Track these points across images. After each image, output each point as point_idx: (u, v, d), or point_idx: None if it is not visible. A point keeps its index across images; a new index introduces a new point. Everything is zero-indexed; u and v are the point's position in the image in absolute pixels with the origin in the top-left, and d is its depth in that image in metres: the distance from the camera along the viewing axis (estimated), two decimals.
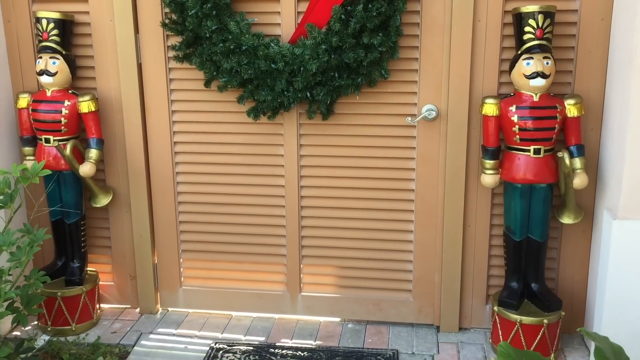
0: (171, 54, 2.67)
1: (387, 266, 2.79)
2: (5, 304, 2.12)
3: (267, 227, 2.83)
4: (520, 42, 2.35)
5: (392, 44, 2.45)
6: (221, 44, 2.50)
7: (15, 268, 2.04)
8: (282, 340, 2.73)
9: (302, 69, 2.48)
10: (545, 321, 2.43)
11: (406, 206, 2.72)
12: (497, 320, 2.53)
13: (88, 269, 2.90)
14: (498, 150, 2.46)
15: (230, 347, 2.66)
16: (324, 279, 2.85)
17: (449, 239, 2.67)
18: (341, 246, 2.80)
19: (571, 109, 2.36)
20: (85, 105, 2.64)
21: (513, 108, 2.37)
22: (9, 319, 2.61)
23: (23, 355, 2.26)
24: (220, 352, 2.63)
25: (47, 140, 2.65)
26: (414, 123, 2.60)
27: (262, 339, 2.74)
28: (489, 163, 2.46)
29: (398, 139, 2.66)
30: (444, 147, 2.62)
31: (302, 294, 2.87)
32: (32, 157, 2.72)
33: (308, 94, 2.54)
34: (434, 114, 2.57)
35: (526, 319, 2.44)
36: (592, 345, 2.50)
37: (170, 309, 2.99)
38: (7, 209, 2.17)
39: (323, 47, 2.45)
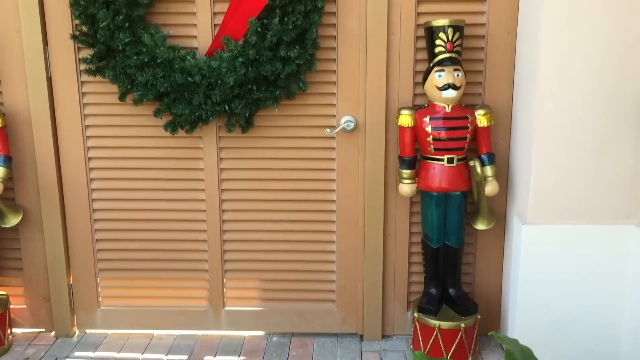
0: (83, 67, 2.58)
1: (311, 277, 2.80)
2: None
3: (189, 242, 2.78)
4: (432, 54, 2.42)
5: (309, 57, 2.47)
6: (135, 57, 2.44)
7: None
8: (206, 357, 2.68)
9: (219, 81, 2.46)
10: (463, 325, 2.50)
11: (328, 217, 2.74)
12: (417, 326, 2.58)
13: None
14: (414, 160, 2.52)
15: None
16: (248, 293, 2.83)
17: (370, 248, 2.71)
18: (264, 259, 2.78)
19: (481, 119, 2.45)
20: None
21: (427, 119, 2.43)
22: None
23: None
24: None
25: None
26: (333, 134, 2.63)
27: (184, 357, 2.68)
28: (406, 173, 2.52)
29: (318, 150, 2.68)
30: (363, 157, 2.66)
31: (226, 308, 2.84)
32: None
33: (226, 107, 2.52)
34: (352, 125, 2.60)
35: (444, 324, 2.50)
36: None
37: (88, 331, 2.88)
38: None
39: (240, 59, 2.44)
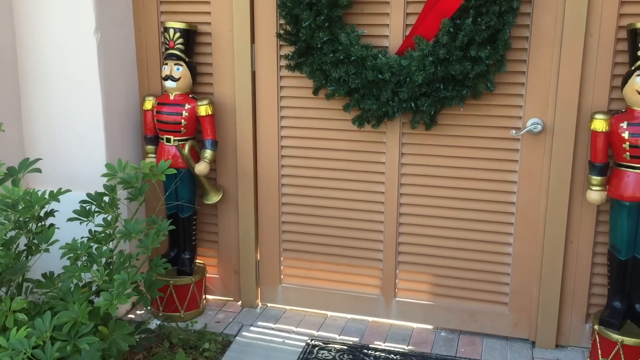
0: (283, 62, 2.83)
1: (484, 277, 2.80)
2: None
3: (366, 231, 2.92)
4: (634, 58, 2.30)
5: (499, 57, 2.48)
6: (331, 54, 2.62)
7: (142, 254, 2.24)
8: (375, 342, 2.80)
9: (407, 79, 2.56)
10: None
11: (506, 219, 2.72)
12: (597, 339, 2.48)
13: (197, 261, 3.12)
14: (606, 166, 2.42)
15: (326, 345, 2.77)
16: (419, 286, 2.90)
17: (550, 254, 2.65)
18: (438, 254, 2.84)
19: None
20: (204, 109, 2.85)
21: (624, 124, 2.33)
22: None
23: (141, 335, 2.48)
24: (316, 348, 2.74)
25: (168, 140, 2.87)
26: (518, 136, 2.61)
27: (356, 339, 2.83)
28: (595, 179, 2.43)
29: (501, 152, 2.67)
30: (548, 161, 2.60)
31: (397, 299, 2.94)
32: (153, 155, 2.96)
33: (412, 104, 2.61)
34: (539, 127, 2.57)
35: (628, 340, 2.38)
36: None
37: (269, 305, 3.15)
38: (134, 202, 2.39)
39: (430, 59, 2.51)
